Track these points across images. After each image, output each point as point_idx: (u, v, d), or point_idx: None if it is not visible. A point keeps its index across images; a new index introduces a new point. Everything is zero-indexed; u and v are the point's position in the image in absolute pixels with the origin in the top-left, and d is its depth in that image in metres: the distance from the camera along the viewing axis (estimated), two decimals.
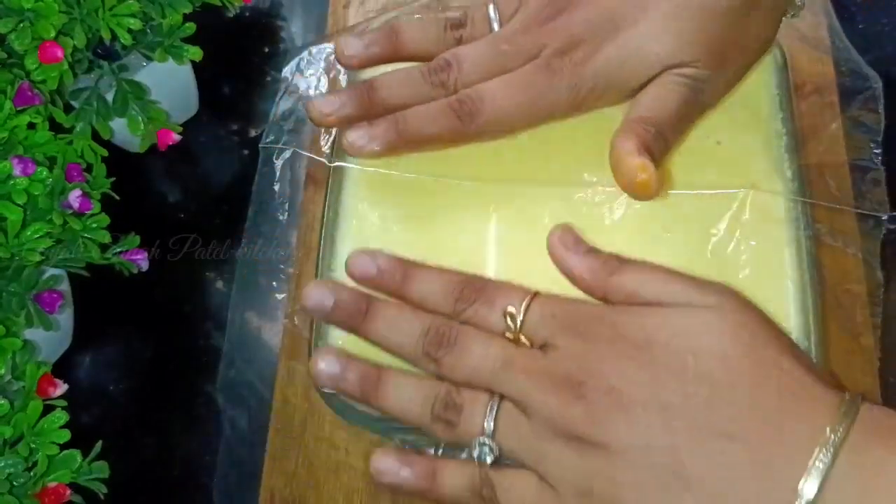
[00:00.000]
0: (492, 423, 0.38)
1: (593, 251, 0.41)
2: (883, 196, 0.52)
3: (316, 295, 0.41)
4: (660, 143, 0.43)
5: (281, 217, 0.53)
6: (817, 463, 0.33)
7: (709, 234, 0.47)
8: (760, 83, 0.52)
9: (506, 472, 0.38)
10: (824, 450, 0.33)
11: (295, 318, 0.50)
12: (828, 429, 0.34)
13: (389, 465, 0.39)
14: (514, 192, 0.48)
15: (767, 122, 0.51)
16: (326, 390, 0.41)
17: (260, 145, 0.53)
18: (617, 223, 0.47)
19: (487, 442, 0.38)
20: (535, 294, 0.40)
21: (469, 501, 0.39)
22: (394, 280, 0.41)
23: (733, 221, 0.47)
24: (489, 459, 0.38)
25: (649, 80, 0.44)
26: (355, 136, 0.44)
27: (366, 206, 0.49)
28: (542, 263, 0.46)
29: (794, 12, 0.47)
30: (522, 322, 0.39)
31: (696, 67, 0.44)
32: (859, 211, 0.52)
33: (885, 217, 0.51)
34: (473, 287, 0.41)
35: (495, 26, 0.46)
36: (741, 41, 0.45)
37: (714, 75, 0.45)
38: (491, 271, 0.46)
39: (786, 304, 0.46)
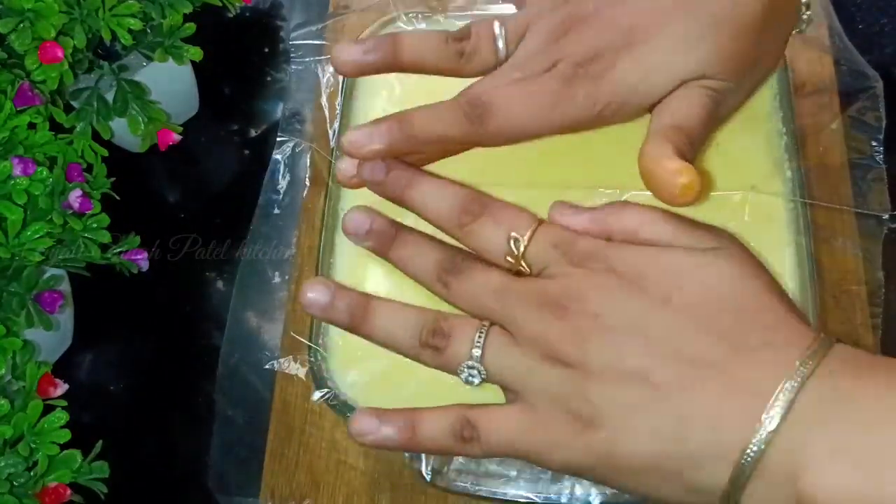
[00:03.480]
0: (480, 349, 0.39)
1: (594, 207, 0.41)
2: (884, 195, 0.52)
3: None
4: (691, 151, 0.43)
5: (281, 217, 0.53)
6: (781, 394, 0.34)
7: None
8: None
9: (485, 409, 0.39)
10: (790, 381, 0.34)
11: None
12: (797, 361, 0.35)
13: (368, 424, 0.39)
14: (516, 196, 0.48)
15: (767, 122, 0.51)
16: (316, 318, 0.42)
17: (278, 137, 0.53)
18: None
19: (475, 364, 0.39)
20: (541, 222, 0.41)
21: (452, 446, 0.39)
22: (399, 185, 0.42)
23: (733, 222, 0.47)
24: (476, 381, 0.39)
25: (667, 94, 0.44)
26: (357, 135, 0.43)
27: (366, 206, 0.49)
28: None
29: (800, 28, 0.47)
30: (525, 248, 0.40)
31: (720, 79, 0.43)
32: (860, 211, 0.52)
33: (885, 217, 0.51)
34: (480, 202, 0.41)
35: (500, 44, 0.44)
36: (756, 56, 0.45)
37: (735, 87, 0.44)
38: None
39: None
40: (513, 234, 0.40)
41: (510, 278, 0.40)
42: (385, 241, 0.41)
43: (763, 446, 0.34)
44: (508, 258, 0.40)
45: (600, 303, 0.38)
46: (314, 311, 0.41)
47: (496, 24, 0.44)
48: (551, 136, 0.44)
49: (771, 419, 0.34)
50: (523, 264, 0.40)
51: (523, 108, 0.43)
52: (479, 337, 0.39)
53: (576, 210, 0.41)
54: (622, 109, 0.44)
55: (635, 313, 0.37)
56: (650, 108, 0.44)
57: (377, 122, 0.43)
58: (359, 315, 0.40)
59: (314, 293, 0.40)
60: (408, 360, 0.42)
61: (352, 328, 0.40)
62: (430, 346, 0.39)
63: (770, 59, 0.46)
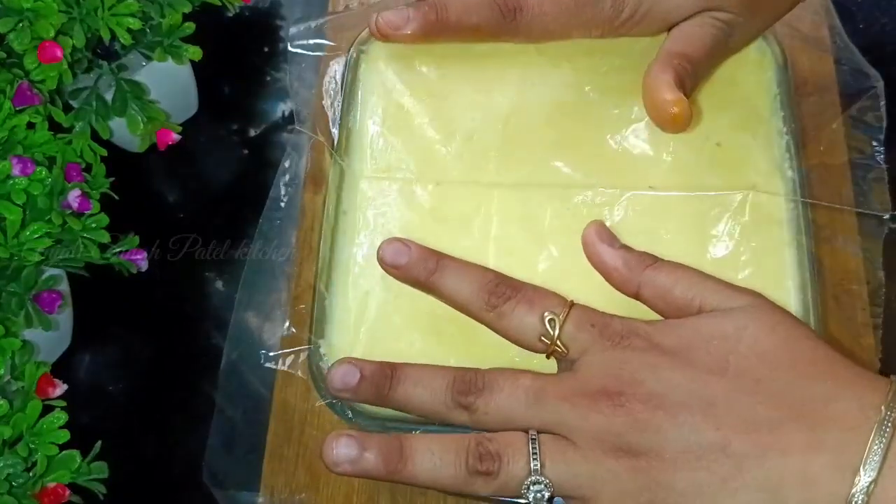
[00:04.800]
0: (537, 461, 0.36)
1: (628, 247, 0.41)
2: (885, 195, 0.52)
3: (340, 373, 0.40)
4: (692, 79, 0.45)
5: (282, 217, 0.53)
6: (875, 444, 0.33)
7: (709, 236, 0.47)
8: (760, 83, 0.52)
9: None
10: (881, 428, 0.33)
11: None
12: (883, 407, 0.33)
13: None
14: (515, 195, 0.48)
15: (767, 122, 0.51)
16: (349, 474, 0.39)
17: (296, 126, 0.53)
18: (617, 224, 0.47)
19: (539, 479, 0.35)
20: (573, 304, 0.39)
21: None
22: (426, 268, 0.41)
23: (733, 222, 0.47)
24: (546, 495, 0.36)
25: (684, 20, 0.46)
26: (392, 16, 0.44)
27: (366, 206, 0.49)
28: (544, 265, 0.46)
29: None
30: (561, 328, 0.38)
31: (731, 13, 0.46)
32: (860, 211, 0.52)
33: (886, 216, 0.51)
34: (509, 284, 0.40)
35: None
36: None
37: (745, 22, 0.46)
38: None
39: (786, 305, 0.45)
40: (547, 314, 0.39)
41: (543, 378, 0.37)
42: (382, 385, 0.39)
43: (865, 498, 0.32)
44: (543, 339, 0.39)
45: (652, 382, 0.36)
46: (344, 466, 0.38)
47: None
48: (578, 41, 0.47)
49: (867, 470, 0.33)
50: (559, 344, 0.38)
51: (555, 5, 0.45)
52: (534, 449, 0.36)
53: (612, 240, 0.41)
54: (645, 20, 0.46)
55: (692, 385, 0.35)
56: (667, 28, 0.47)
57: (415, 4, 0.44)
58: (393, 459, 0.37)
59: (341, 448, 0.37)
60: (406, 360, 0.42)
61: (387, 475, 0.37)
62: (481, 474, 0.36)
63: (783, 2, 0.48)
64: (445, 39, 0.46)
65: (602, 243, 0.41)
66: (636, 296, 0.40)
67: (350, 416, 0.45)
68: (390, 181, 0.50)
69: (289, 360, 0.50)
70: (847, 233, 0.52)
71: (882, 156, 0.53)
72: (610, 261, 0.40)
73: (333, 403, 0.45)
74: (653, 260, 0.40)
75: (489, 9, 0.45)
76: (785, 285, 0.46)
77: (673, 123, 0.44)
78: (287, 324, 0.50)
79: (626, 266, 0.40)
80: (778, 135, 0.50)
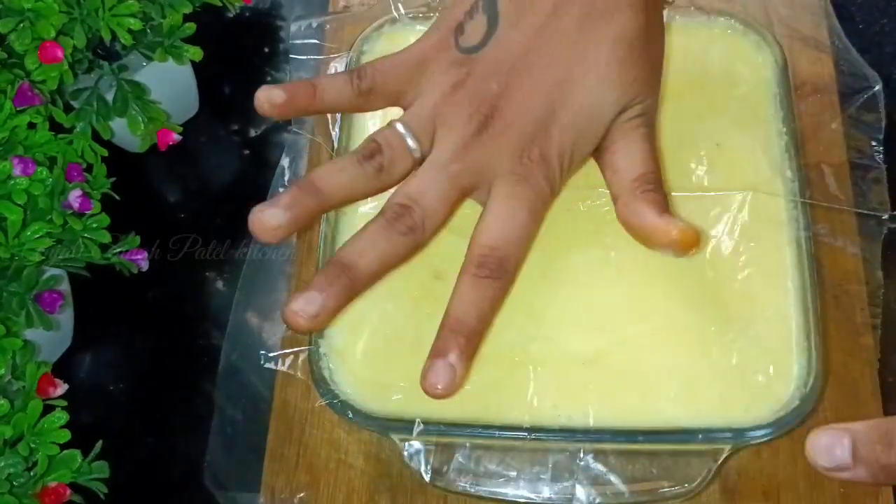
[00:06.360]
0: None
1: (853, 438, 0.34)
2: (884, 195, 0.52)
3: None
4: (661, 189, 0.44)
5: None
6: None
7: (709, 236, 0.47)
8: (760, 83, 0.52)
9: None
10: None
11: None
12: None
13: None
14: None
15: (767, 122, 0.51)
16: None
17: (293, 128, 0.53)
18: (618, 226, 0.47)
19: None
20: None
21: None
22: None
23: (733, 223, 0.47)
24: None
25: (607, 130, 0.44)
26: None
27: (365, 205, 0.49)
28: (545, 266, 0.47)
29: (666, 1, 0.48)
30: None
31: (642, 102, 0.44)
32: (860, 211, 0.52)
33: (885, 216, 0.51)
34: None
35: (411, 143, 0.43)
36: (655, 57, 0.45)
37: (653, 101, 0.45)
38: None
39: (786, 305, 0.46)
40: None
41: None
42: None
43: None
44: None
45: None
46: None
47: (400, 126, 0.44)
48: None
49: None
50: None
51: (513, 227, 0.42)
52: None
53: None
54: (575, 163, 0.45)
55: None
56: (596, 146, 0.45)
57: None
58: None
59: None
60: (405, 360, 0.42)
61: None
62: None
63: (660, 53, 0.46)
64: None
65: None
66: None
67: (350, 415, 0.45)
68: None
69: (288, 360, 0.50)
70: (846, 233, 0.52)
71: (881, 156, 0.53)
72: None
73: (334, 403, 0.45)
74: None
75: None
76: (785, 285, 0.46)
77: (689, 243, 0.42)
78: (288, 330, 0.50)
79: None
80: (777, 135, 0.50)
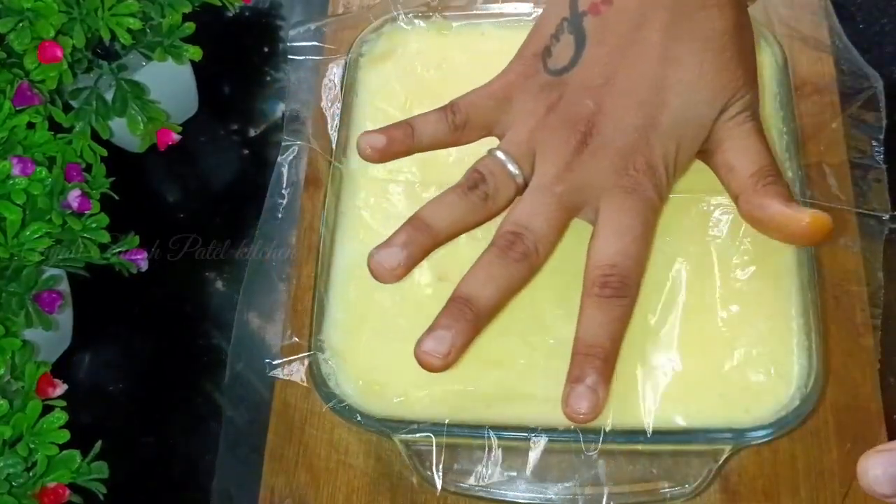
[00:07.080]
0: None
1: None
2: (884, 196, 0.52)
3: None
4: (783, 181, 0.44)
5: (282, 218, 0.53)
6: None
7: (709, 236, 0.47)
8: (761, 83, 0.52)
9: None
10: None
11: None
12: None
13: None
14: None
15: (767, 122, 0.51)
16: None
17: (283, 142, 0.53)
18: None
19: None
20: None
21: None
22: (404, 134, 0.45)
23: (734, 223, 0.47)
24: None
25: (711, 131, 0.44)
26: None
27: (365, 207, 0.49)
28: (546, 266, 0.46)
29: None
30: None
31: (742, 98, 0.44)
32: (860, 211, 0.52)
33: (886, 217, 0.51)
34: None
35: (513, 169, 0.44)
36: (747, 51, 0.45)
37: (753, 95, 0.45)
38: None
39: (786, 305, 0.46)
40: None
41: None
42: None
43: None
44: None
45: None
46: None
47: (500, 154, 0.44)
48: None
49: None
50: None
51: (632, 241, 0.42)
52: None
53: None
54: (681, 168, 0.45)
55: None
56: (699, 148, 0.45)
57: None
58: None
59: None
60: (407, 362, 0.42)
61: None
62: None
63: (753, 49, 0.46)
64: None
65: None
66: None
67: (359, 419, 0.45)
68: (390, 183, 0.50)
69: (292, 367, 0.50)
70: (847, 233, 0.52)
71: (881, 156, 0.53)
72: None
73: (338, 408, 0.45)
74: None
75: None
76: (785, 285, 0.46)
77: (823, 231, 0.42)
78: (289, 332, 0.50)
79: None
80: (778, 135, 0.50)
